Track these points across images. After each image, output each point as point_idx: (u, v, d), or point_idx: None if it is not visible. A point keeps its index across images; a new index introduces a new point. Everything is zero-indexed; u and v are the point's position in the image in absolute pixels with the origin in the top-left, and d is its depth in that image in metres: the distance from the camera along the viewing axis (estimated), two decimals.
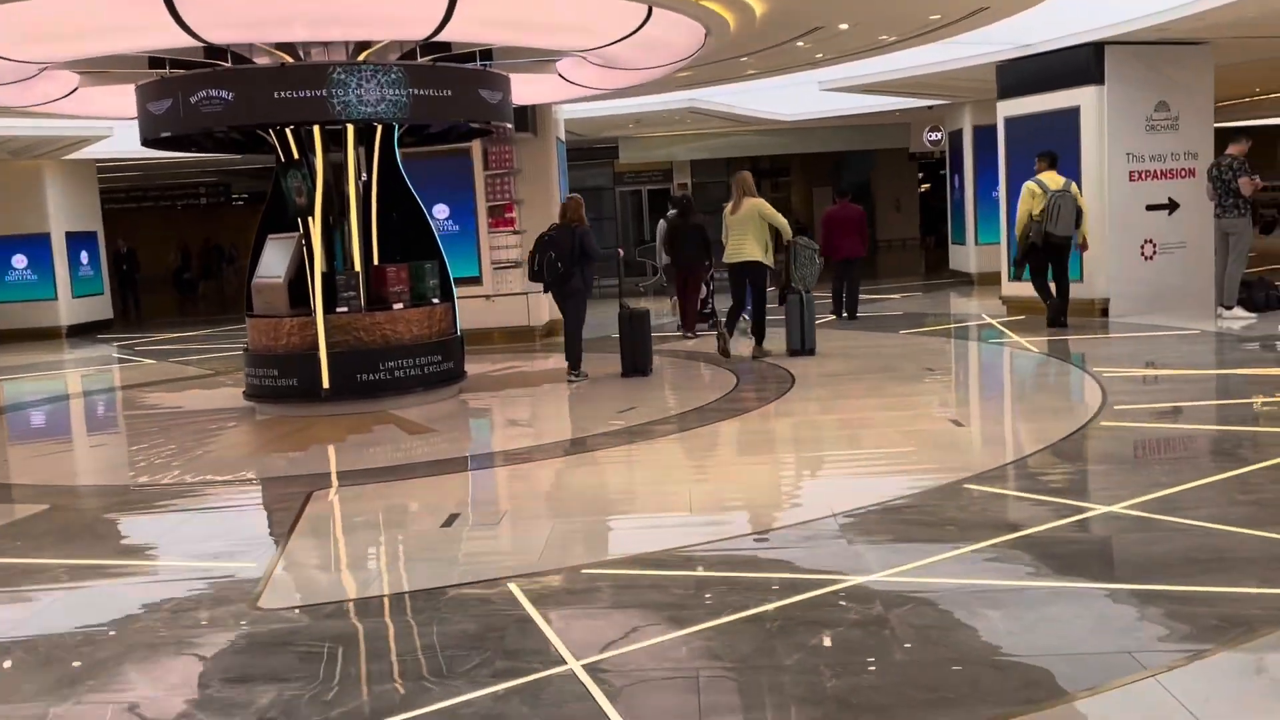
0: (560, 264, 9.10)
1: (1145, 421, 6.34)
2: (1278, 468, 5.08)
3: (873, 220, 26.10)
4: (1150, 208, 11.81)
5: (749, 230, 9.77)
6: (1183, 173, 11.96)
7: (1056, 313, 10.86)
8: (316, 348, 8.55)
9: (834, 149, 25.27)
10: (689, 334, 12.24)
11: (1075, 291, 11.87)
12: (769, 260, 9.95)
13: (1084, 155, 11.72)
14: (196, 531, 5.44)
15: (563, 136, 14.95)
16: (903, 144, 23.34)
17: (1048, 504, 4.78)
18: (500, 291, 13.25)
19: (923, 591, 3.76)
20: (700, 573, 4.13)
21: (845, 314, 13.13)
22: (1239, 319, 10.78)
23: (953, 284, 17.64)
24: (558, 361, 11.53)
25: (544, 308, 13.36)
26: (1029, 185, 10.90)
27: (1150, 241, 11.84)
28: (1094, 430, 6.13)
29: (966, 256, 17.49)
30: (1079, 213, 10.67)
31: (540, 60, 10.36)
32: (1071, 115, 11.84)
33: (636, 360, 9.50)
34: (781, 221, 9.89)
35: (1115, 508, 4.58)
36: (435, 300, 9.17)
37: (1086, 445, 5.84)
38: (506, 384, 9.96)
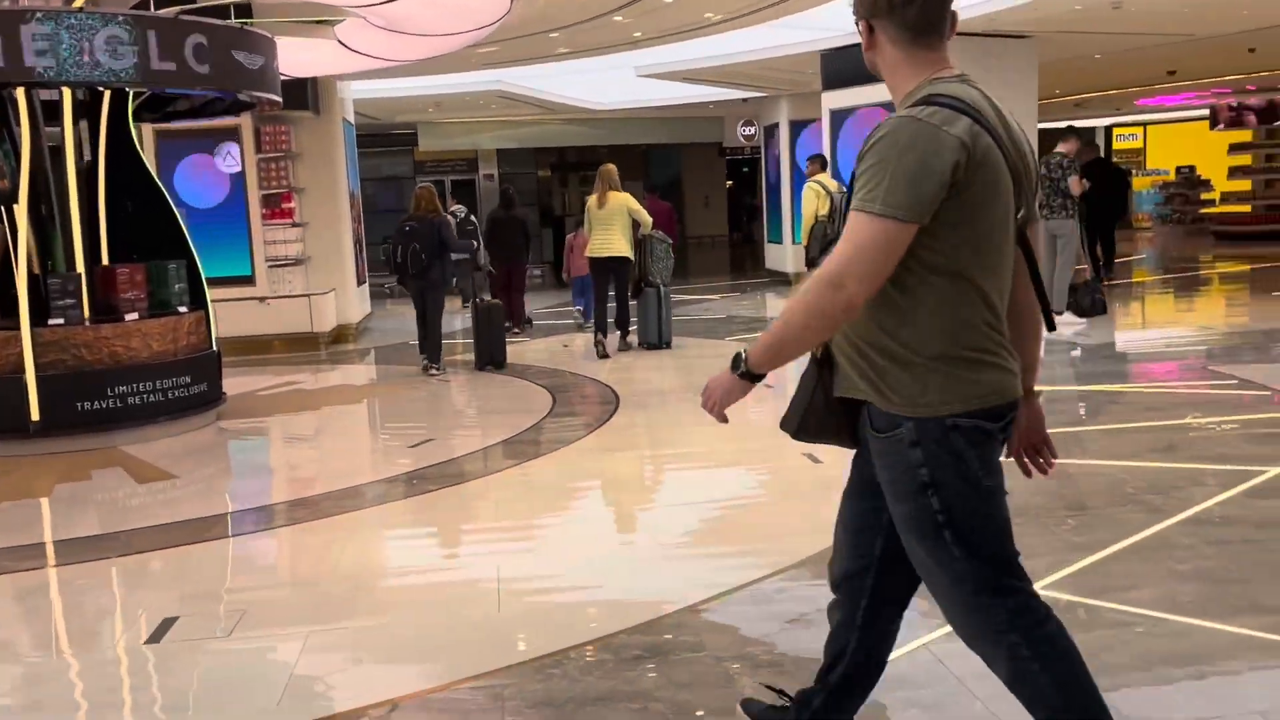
0: (424, 256, 8.83)
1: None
2: (1199, 521, 4.29)
3: (682, 216, 25.48)
4: None
5: (615, 224, 9.51)
6: None
7: None
8: (22, 369, 6.77)
9: (645, 141, 24.38)
10: (516, 331, 11.45)
11: None
12: (633, 255, 9.77)
13: None
14: None
15: (351, 118, 13.33)
16: (715, 138, 22.71)
17: None
18: (278, 293, 11.53)
19: None
20: None
21: None
22: (1069, 324, 10.42)
23: (770, 284, 17.02)
24: (345, 374, 10.02)
25: (329, 311, 11.73)
26: (812, 186, 10.90)
27: None
28: None
29: (783, 255, 16.88)
30: None
31: (316, 22, 8.81)
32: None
33: (493, 352, 9.28)
34: (646, 217, 9.76)
35: (1037, 588, 3.62)
36: (182, 308, 7.51)
37: None
38: (279, 407, 8.37)
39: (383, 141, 22.49)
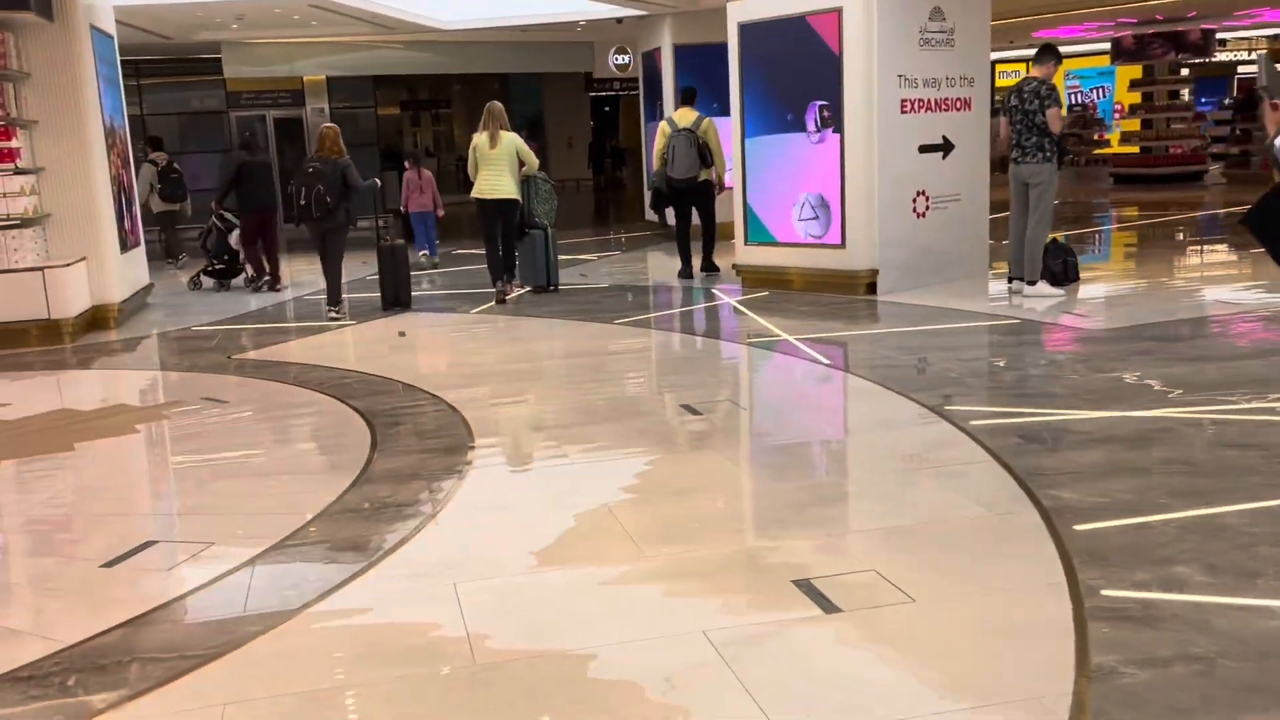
0: (329, 198, 8.68)
1: (1169, 589, 3.20)
2: None
3: (546, 157, 22.70)
4: (924, 149, 9.06)
5: (505, 165, 9.19)
6: (958, 104, 9.29)
7: (703, 261, 10.43)
8: None
9: (503, 70, 21.34)
10: (274, 286, 10.97)
11: (835, 262, 9.04)
12: (520, 197, 9.45)
13: (847, 78, 8.70)
14: None
15: (109, 28, 10.05)
16: (582, 68, 19.88)
17: None
18: None
19: None
20: None
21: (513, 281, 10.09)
22: (1044, 297, 8.28)
23: (652, 238, 14.53)
24: (86, 385, 7.04)
25: (77, 288, 8.67)
26: (661, 124, 10.20)
27: (923, 194, 9.10)
28: (1112, 632, 2.91)
29: None
30: (704, 153, 9.83)
31: None
32: (829, 22, 8.77)
33: (399, 293, 9.34)
34: (534, 158, 9.48)
35: None
36: None
37: (1143, 693, 2.58)
38: None
39: (186, 68, 18.90)
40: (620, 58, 17.49)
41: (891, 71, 8.70)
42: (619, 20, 14.94)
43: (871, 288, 8.88)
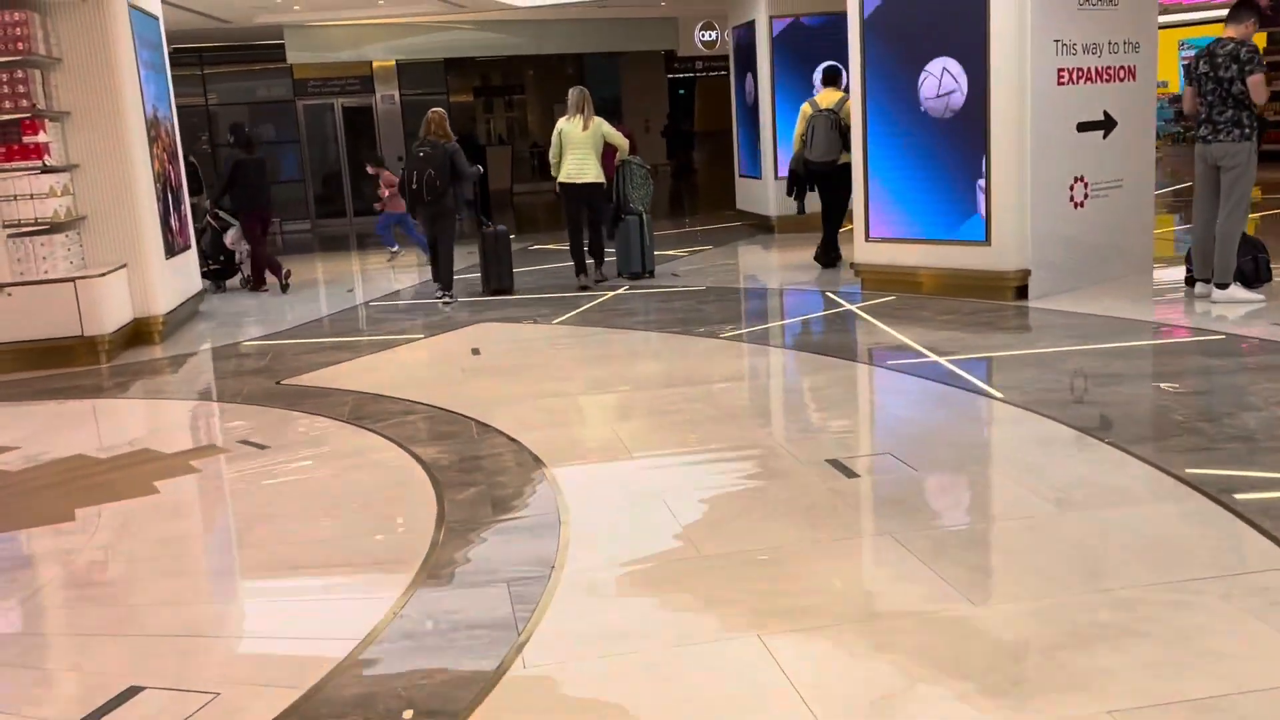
0: (439, 183, 8.68)
1: None
2: None
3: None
4: (1083, 126, 7.67)
5: (592, 149, 9.10)
6: (1121, 73, 7.88)
7: (826, 250, 9.60)
8: None
9: (580, 50, 20.13)
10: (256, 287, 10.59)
11: (977, 261, 7.72)
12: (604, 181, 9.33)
13: (993, 45, 7.35)
14: None
15: (153, 8, 9.10)
16: (666, 45, 18.59)
17: None
18: (25, 278, 7.49)
19: None
20: None
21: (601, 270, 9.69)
22: (1238, 303, 6.86)
23: (744, 229, 13.30)
24: (112, 419, 6.01)
25: (116, 299, 7.73)
26: (803, 105, 9.63)
27: (1081, 180, 7.72)
28: None
29: (764, 194, 13.10)
30: (846, 136, 8.89)
31: None
32: None
33: (502, 278, 9.28)
34: (624, 141, 9.46)
35: None
36: None
37: None
38: None
39: (250, 55, 18.08)
40: (707, 34, 16.23)
41: (1047, 38, 7.32)
42: None
43: (1021, 291, 7.54)
